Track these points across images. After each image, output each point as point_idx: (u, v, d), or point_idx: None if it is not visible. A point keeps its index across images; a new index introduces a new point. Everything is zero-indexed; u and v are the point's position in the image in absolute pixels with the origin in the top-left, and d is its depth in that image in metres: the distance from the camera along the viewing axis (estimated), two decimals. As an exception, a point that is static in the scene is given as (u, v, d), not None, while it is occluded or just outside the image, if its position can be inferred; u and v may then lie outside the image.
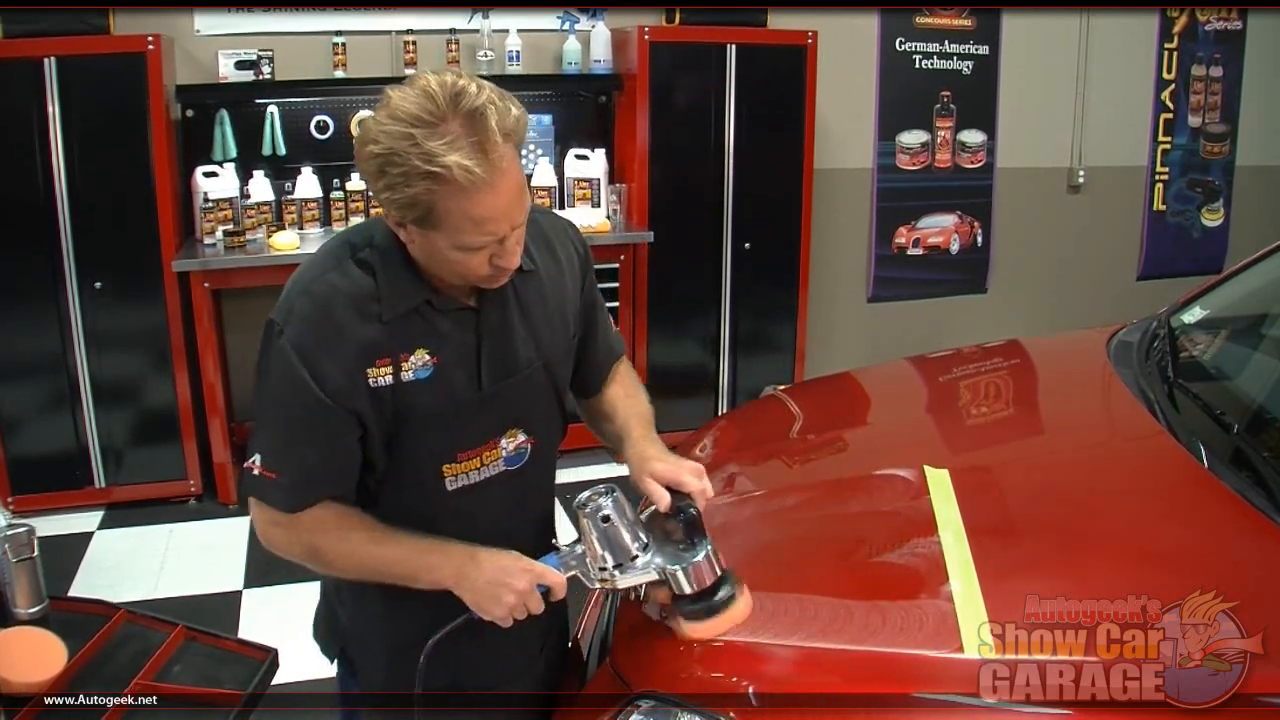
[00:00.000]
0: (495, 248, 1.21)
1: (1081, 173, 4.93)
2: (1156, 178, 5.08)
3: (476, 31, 3.88)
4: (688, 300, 4.06)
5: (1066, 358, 2.33)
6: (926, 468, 1.62)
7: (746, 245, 4.04)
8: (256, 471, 1.27)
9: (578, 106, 4.09)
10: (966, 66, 4.60)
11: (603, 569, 1.29)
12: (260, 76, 3.68)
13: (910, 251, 4.73)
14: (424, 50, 3.80)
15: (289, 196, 3.73)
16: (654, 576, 1.29)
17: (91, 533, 3.49)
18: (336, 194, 3.73)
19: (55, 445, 3.51)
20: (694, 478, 1.34)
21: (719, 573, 1.31)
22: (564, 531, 1.49)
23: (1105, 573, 1.34)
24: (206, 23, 3.71)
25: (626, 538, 1.28)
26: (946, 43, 4.55)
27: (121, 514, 3.60)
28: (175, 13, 3.65)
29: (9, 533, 1.49)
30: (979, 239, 4.83)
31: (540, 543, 1.37)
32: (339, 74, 3.76)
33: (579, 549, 1.30)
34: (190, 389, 3.56)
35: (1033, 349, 2.38)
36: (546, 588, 1.28)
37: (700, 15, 3.91)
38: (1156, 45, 4.92)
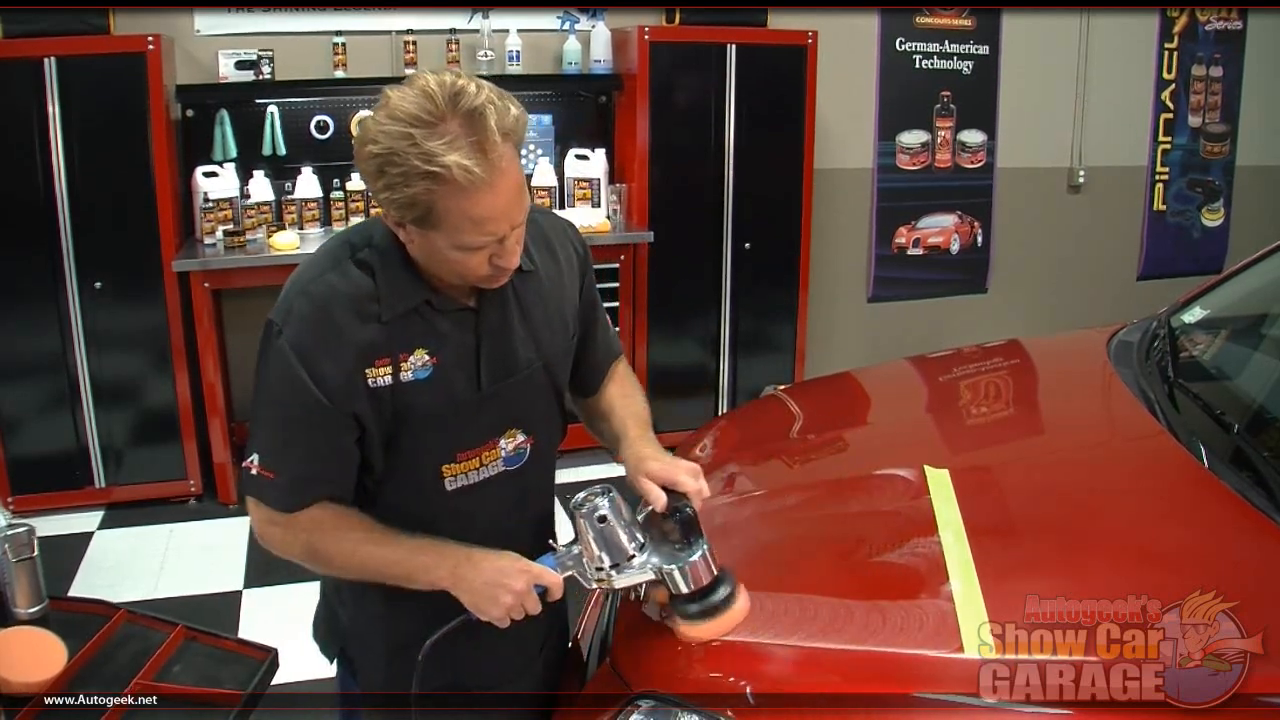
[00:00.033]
0: (495, 248, 1.21)
1: (1081, 173, 4.93)
2: (1156, 178, 5.08)
3: (476, 31, 3.88)
4: (688, 300, 4.06)
5: (1066, 358, 2.33)
6: (927, 468, 1.62)
7: (746, 245, 4.04)
8: (254, 471, 1.27)
9: (578, 106, 4.09)
10: (966, 66, 4.60)
11: (599, 569, 1.29)
12: (260, 76, 3.68)
13: (910, 251, 4.73)
14: (424, 50, 3.80)
15: (289, 196, 3.73)
16: (650, 576, 1.30)
17: (91, 533, 3.49)
18: (336, 194, 3.73)
19: (55, 445, 3.51)
20: (690, 477, 1.34)
21: (715, 572, 1.31)
22: (564, 532, 1.49)
23: (1105, 573, 1.34)
24: (206, 23, 3.71)
25: (623, 538, 1.29)
26: (946, 43, 4.55)
27: (121, 514, 3.60)
28: (175, 13, 3.65)
29: (9, 533, 1.49)
30: (979, 239, 4.83)
31: (540, 543, 1.36)
32: (339, 74, 3.76)
33: (576, 549, 1.31)
34: (190, 389, 3.56)
35: (1033, 349, 2.38)
36: (544, 588, 1.28)
37: (700, 15, 3.91)
38: (1156, 45, 4.92)
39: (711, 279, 4.05)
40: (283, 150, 3.76)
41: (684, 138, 3.93)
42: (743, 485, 1.84)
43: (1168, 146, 5.06)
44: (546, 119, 4.04)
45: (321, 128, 3.81)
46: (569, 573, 1.30)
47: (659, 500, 1.32)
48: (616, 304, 3.88)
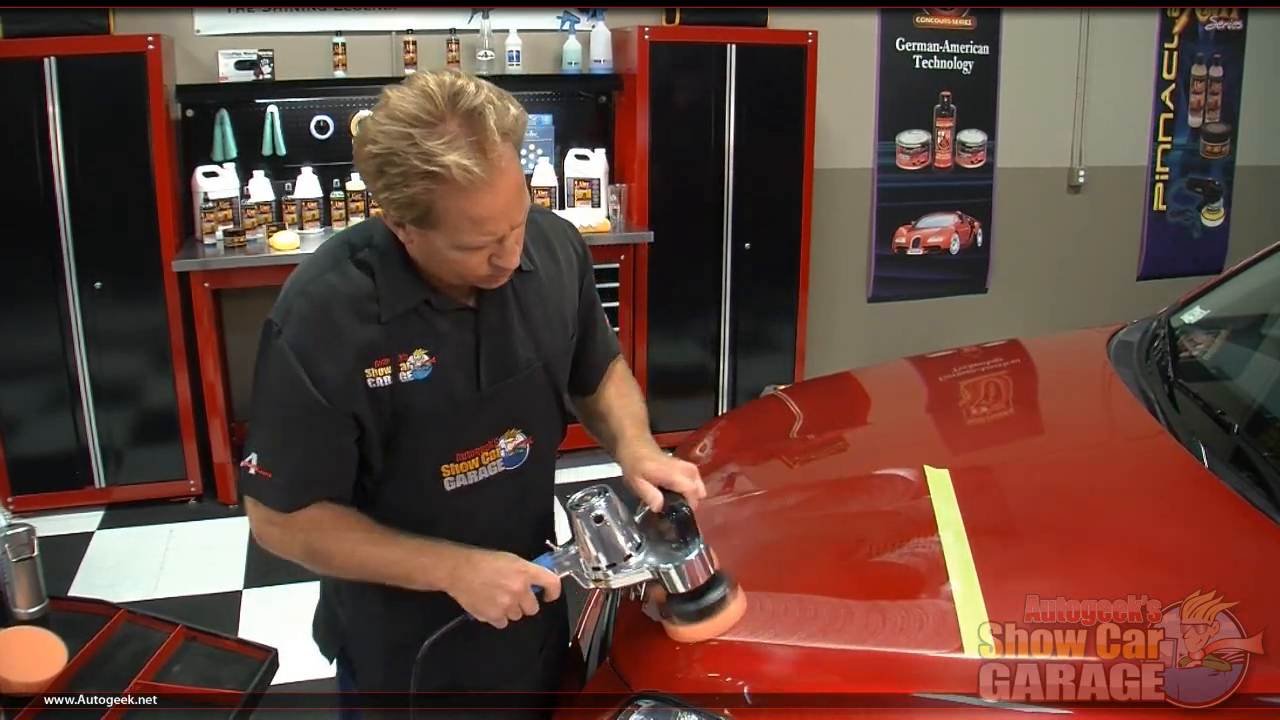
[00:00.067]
0: (494, 247, 1.21)
1: (1081, 173, 4.93)
2: (1156, 178, 5.08)
3: (476, 31, 3.88)
4: (688, 300, 4.06)
5: (1066, 358, 2.33)
6: (927, 468, 1.62)
7: (746, 245, 4.04)
8: (253, 470, 1.27)
9: (578, 106, 4.09)
10: (966, 66, 4.60)
11: (596, 569, 1.29)
12: (260, 76, 3.68)
13: (910, 251, 4.73)
14: (424, 50, 3.80)
15: (289, 196, 3.73)
16: (647, 576, 1.30)
17: (91, 533, 3.49)
18: (336, 194, 3.73)
19: (55, 445, 3.50)
20: (686, 477, 1.34)
21: (712, 571, 1.31)
22: (563, 532, 1.49)
23: (1105, 573, 1.34)
24: (206, 23, 3.71)
25: (620, 538, 1.29)
26: (946, 43, 4.55)
27: (121, 514, 3.60)
28: (175, 13, 3.65)
29: (9, 533, 1.49)
30: (979, 239, 4.83)
31: (539, 543, 1.37)
32: (339, 74, 3.76)
33: (573, 549, 1.31)
34: (190, 389, 3.56)
35: (1033, 349, 2.38)
36: (541, 588, 1.28)
37: (700, 15, 3.91)
38: (1156, 45, 4.92)
39: (711, 279, 4.05)
40: (283, 150, 3.76)
41: (684, 138, 3.93)
42: (743, 485, 1.84)
43: (1168, 146, 5.06)
44: (546, 119, 4.04)
45: (321, 128, 3.81)
46: (566, 573, 1.30)
47: (655, 500, 1.32)
48: (616, 304, 3.87)
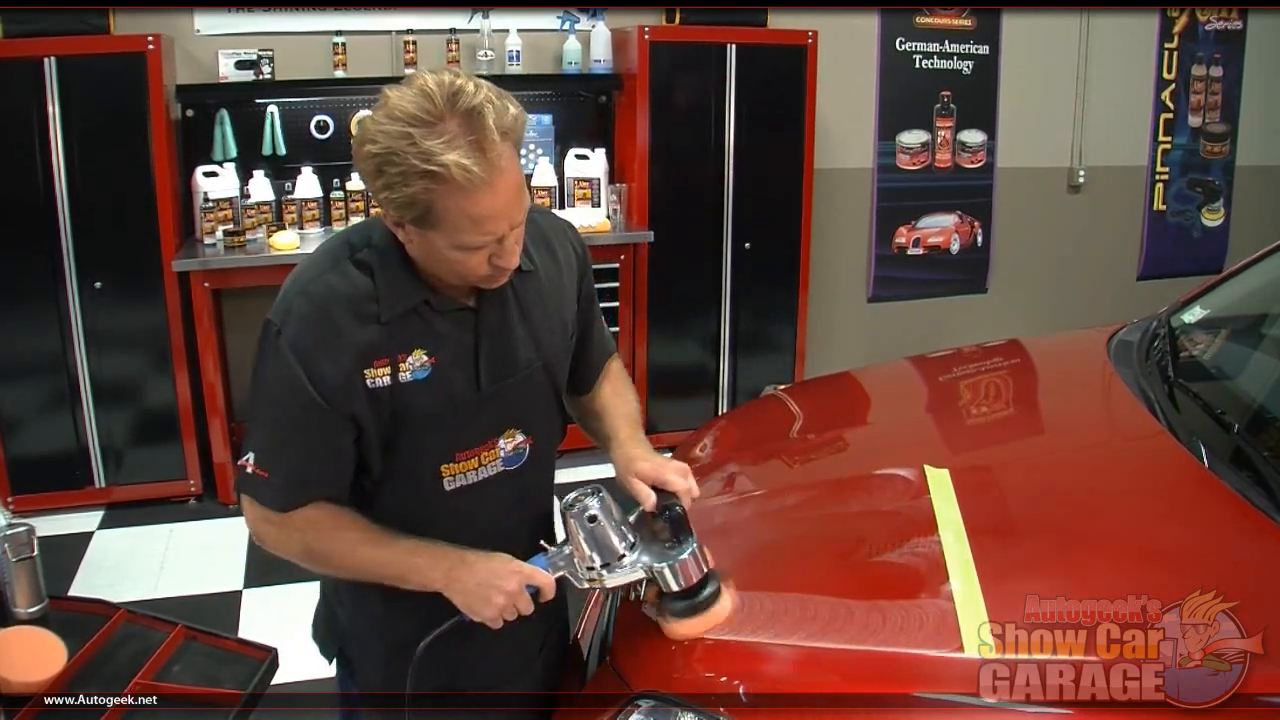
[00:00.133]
0: (494, 247, 1.21)
1: (1081, 173, 4.93)
2: (1156, 178, 5.08)
3: (476, 31, 3.88)
4: (688, 300, 4.06)
5: (1066, 358, 2.33)
6: (927, 467, 1.62)
7: (746, 245, 4.04)
8: (250, 469, 1.27)
9: (578, 106, 4.09)
10: (966, 66, 4.60)
11: (591, 569, 1.30)
12: (260, 76, 3.68)
13: (910, 251, 4.73)
14: (424, 50, 3.80)
15: (289, 196, 3.73)
16: (641, 575, 1.31)
17: (91, 533, 3.49)
18: (336, 194, 3.73)
19: (55, 445, 3.50)
20: (678, 476, 1.35)
21: (705, 570, 1.32)
22: (563, 532, 1.49)
23: (1105, 573, 1.34)
24: (206, 23, 3.71)
25: (613, 537, 1.29)
26: (946, 43, 4.55)
27: (121, 514, 3.60)
28: (175, 13, 3.65)
29: (9, 532, 1.49)
30: (979, 239, 4.83)
31: (539, 542, 1.37)
32: (339, 74, 3.76)
33: (567, 550, 1.32)
34: (190, 389, 3.56)
35: (1033, 349, 2.38)
36: (536, 589, 1.29)
37: (700, 15, 3.91)
38: (1156, 45, 4.91)
39: (711, 279, 4.05)
40: (283, 150, 3.76)
41: (684, 138, 3.93)
42: (742, 485, 1.84)
43: (1168, 146, 5.05)
44: (546, 119, 4.04)
45: (321, 128, 3.81)
46: (561, 573, 1.31)
47: (648, 499, 1.34)
48: (616, 304, 3.87)
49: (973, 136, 4.69)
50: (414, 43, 3.79)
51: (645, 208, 3.91)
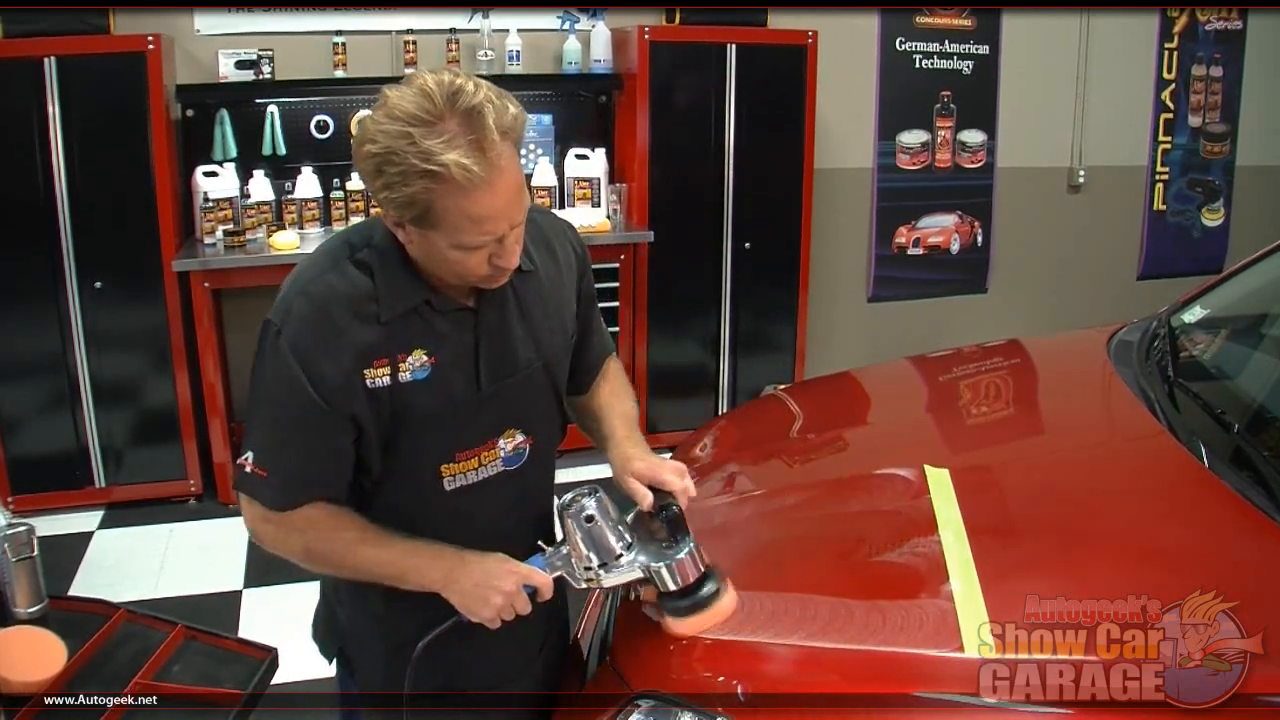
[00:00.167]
0: (494, 247, 1.21)
1: (1081, 172, 4.93)
2: (1156, 177, 5.08)
3: (476, 31, 3.88)
4: (688, 300, 4.06)
5: (1066, 358, 2.33)
6: (927, 467, 1.62)
7: (746, 245, 4.04)
8: (249, 469, 1.27)
9: (578, 106, 4.09)
10: (966, 66, 4.60)
11: (588, 569, 1.30)
12: (260, 76, 3.68)
13: (910, 251, 4.73)
14: (424, 50, 3.80)
15: (289, 196, 3.73)
16: (639, 575, 1.31)
17: (91, 532, 3.49)
18: (336, 194, 3.73)
19: (55, 445, 3.50)
20: (675, 476, 1.35)
21: (702, 569, 1.32)
22: (560, 532, 1.50)
23: (1105, 573, 1.34)
24: (206, 23, 3.71)
25: (610, 537, 1.30)
26: (946, 43, 4.55)
27: (121, 514, 3.60)
28: (175, 13, 3.65)
29: (9, 532, 1.49)
30: (979, 239, 4.83)
31: (537, 543, 1.37)
32: (339, 74, 3.76)
33: (564, 550, 1.32)
34: (190, 389, 3.56)
35: (1033, 349, 2.38)
36: (533, 589, 1.29)
37: (700, 15, 3.91)
38: (1156, 45, 4.91)
39: (711, 279, 4.05)
40: (283, 150, 3.76)
41: (684, 138, 3.92)
42: (742, 485, 1.84)
43: (1168, 146, 5.05)
44: (546, 119, 4.04)
45: (321, 127, 3.81)
46: (558, 573, 1.31)
47: (645, 499, 1.34)
48: (616, 304, 3.87)
49: (973, 136, 4.68)
50: (414, 43, 3.79)
51: (645, 208, 3.90)
